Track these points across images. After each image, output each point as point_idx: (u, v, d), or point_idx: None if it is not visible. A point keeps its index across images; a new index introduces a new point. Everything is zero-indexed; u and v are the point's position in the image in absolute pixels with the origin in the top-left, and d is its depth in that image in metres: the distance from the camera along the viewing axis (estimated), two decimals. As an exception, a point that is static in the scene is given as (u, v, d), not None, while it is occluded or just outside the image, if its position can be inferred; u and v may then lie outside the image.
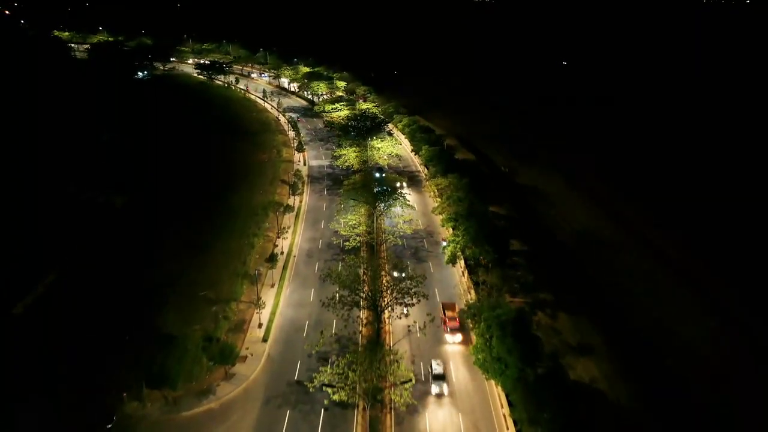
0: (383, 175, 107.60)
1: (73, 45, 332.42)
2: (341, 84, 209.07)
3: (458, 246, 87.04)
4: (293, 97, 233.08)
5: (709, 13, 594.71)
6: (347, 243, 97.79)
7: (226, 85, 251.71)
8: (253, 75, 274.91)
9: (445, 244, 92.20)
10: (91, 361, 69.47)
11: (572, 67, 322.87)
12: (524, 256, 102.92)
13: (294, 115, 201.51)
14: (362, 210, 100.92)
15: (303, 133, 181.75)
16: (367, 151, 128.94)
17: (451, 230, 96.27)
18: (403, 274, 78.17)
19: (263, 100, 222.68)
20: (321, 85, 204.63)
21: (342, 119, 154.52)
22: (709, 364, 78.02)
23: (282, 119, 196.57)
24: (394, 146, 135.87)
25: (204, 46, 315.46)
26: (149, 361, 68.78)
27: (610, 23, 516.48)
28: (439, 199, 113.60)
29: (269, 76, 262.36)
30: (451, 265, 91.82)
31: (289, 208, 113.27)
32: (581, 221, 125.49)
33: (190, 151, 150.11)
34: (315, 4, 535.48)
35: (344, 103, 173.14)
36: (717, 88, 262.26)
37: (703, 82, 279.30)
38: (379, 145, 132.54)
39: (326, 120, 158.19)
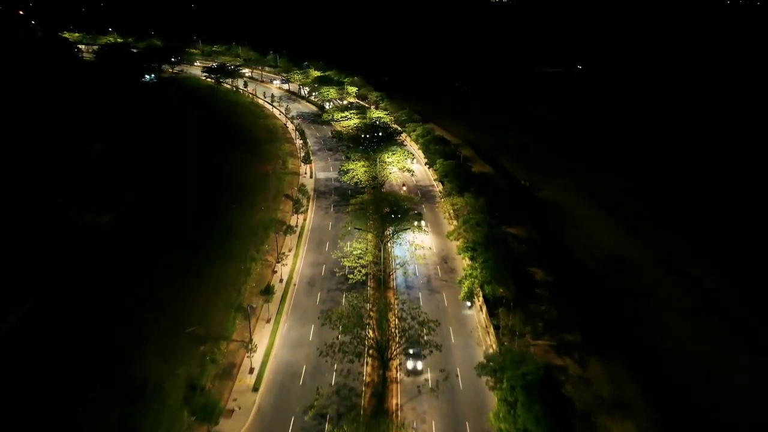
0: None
1: (82, 46, 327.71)
2: (352, 90, 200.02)
3: (476, 281, 77.36)
4: (303, 102, 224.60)
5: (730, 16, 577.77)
6: (351, 276, 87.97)
7: (234, 89, 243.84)
8: (271, 81, 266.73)
9: (461, 277, 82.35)
10: (58, 414, 61.03)
11: (590, 71, 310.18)
12: (548, 287, 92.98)
13: (302, 122, 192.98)
14: (369, 237, 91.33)
15: (311, 141, 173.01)
16: (376, 165, 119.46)
17: (467, 260, 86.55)
18: (414, 320, 68.50)
19: (271, 105, 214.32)
20: (331, 90, 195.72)
21: (351, 129, 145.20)
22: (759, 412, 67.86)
23: (290, 126, 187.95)
24: (406, 159, 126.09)
25: (214, 48, 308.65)
26: (123, 416, 60.39)
27: (631, 23, 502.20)
28: (454, 222, 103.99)
29: (281, 80, 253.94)
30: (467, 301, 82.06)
31: (290, 229, 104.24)
32: (609, 244, 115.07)
33: (189, 163, 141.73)
34: (328, 5, 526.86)
35: (354, 111, 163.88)
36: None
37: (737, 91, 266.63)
38: (390, 160, 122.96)
39: (334, 131, 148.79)
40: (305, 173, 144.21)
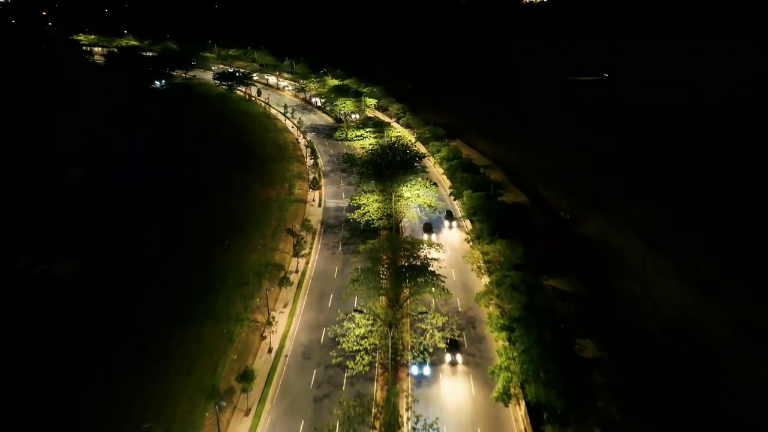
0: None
1: (98, 49, 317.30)
2: (371, 102, 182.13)
3: (514, 377, 58.70)
4: (319, 113, 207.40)
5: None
6: (351, 366, 69.27)
7: (247, 97, 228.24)
8: (284, 88, 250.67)
9: (493, 366, 63.46)
10: None
11: (625, 80, 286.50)
12: (603, 367, 73.63)
13: (315, 137, 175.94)
14: (378, 305, 72.94)
15: (324, 159, 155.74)
16: (392, 200, 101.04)
17: (501, 341, 67.81)
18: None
19: (284, 116, 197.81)
20: (347, 102, 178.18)
21: (366, 152, 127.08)
22: None
23: (302, 142, 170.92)
24: (428, 191, 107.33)
25: (230, 52, 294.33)
26: None
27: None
28: (486, 279, 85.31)
29: (297, 88, 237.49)
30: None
31: (286, 281, 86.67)
32: (672, 300, 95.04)
33: (183, 187, 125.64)
34: (349, 9, 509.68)
35: (371, 129, 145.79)
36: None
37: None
38: (408, 195, 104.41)
39: (346, 154, 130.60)
40: (313, 200, 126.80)
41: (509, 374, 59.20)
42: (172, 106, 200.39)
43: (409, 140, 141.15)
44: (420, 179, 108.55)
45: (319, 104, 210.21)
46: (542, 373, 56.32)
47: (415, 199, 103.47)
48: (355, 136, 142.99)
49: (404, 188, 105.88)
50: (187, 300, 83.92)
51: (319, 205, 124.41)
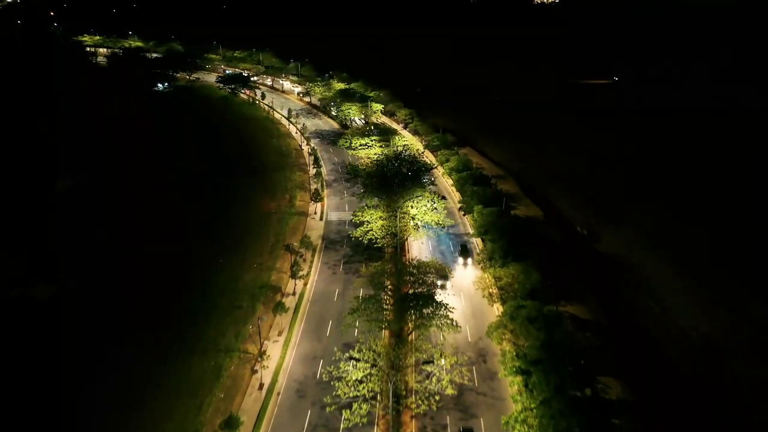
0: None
1: (103, 50, 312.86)
2: (377, 107, 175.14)
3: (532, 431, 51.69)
4: (324, 117, 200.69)
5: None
6: (347, 417, 60.80)
7: (250, 100, 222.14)
8: (283, 90, 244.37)
9: (507, 417, 56.41)
10: None
11: (634, 83, 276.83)
12: (628, 411, 66.45)
13: (319, 143, 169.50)
14: (379, 343, 65.76)
15: (327, 168, 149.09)
16: (396, 218, 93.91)
17: (517, 385, 60.70)
18: None
19: (288, 120, 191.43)
20: (353, 108, 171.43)
21: (371, 162, 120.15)
22: None
23: (305, 148, 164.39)
24: (434, 207, 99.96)
25: (236, 54, 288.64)
26: None
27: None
28: (499, 306, 78.25)
29: (302, 91, 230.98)
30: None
31: (281, 308, 79.96)
32: (700, 328, 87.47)
33: (178, 197, 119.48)
34: (356, 10, 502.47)
35: (376, 137, 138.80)
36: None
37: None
38: (414, 212, 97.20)
39: (349, 164, 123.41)
40: (315, 213, 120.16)
41: (526, 428, 52.14)
42: (174, 111, 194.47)
43: (417, 149, 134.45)
44: (427, 194, 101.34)
45: (323, 108, 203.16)
46: (565, 429, 49.22)
47: (422, 216, 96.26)
48: (360, 145, 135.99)
49: (410, 204, 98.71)
50: (174, 328, 77.62)
51: (321, 219, 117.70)
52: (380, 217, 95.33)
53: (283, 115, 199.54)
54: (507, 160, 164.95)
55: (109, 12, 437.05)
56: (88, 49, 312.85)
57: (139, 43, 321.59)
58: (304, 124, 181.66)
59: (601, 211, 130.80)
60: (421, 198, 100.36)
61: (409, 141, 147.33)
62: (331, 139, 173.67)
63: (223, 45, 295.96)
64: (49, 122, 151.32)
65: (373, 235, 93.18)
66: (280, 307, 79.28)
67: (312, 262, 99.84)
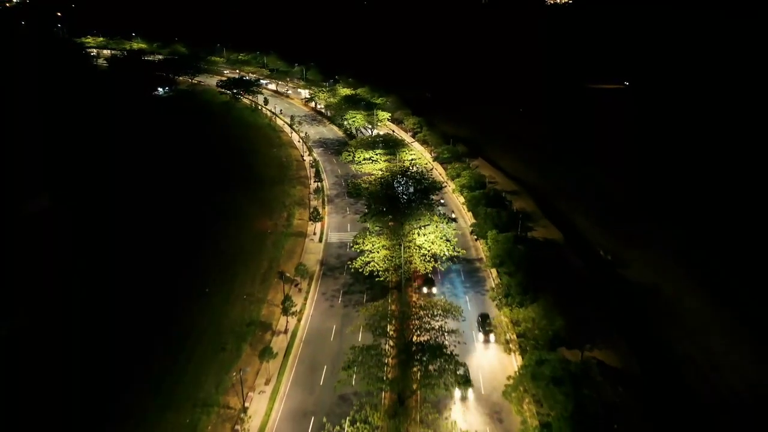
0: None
1: (107, 51, 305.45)
2: (384, 116, 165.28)
3: None
4: (329, 124, 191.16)
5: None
6: None
7: (252, 106, 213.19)
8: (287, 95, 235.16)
9: None
10: None
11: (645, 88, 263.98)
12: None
13: (322, 153, 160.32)
14: (375, 416, 55.69)
15: (330, 181, 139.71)
16: (401, 249, 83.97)
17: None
18: None
19: (291, 128, 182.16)
20: (358, 116, 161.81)
21: (375, 180, 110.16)
22: None
23: (307, 159, 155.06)
24: (445, 234, 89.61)
25: (240, 57, 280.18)
26: None
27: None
28: (517, 358, 68.28)
29: (306, 96, 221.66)
30: None
31: (269, 353, 70.39)
32: (746, 374, 77.16)
33: (167, 216, 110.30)
34: (367, 14, 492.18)
35: (381, 150, 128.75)
36: None
37: None
38: (421, 241, 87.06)
39: (350, 184, 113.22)
40: (314, 234, 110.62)
41: None
42: (172, 117, 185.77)
43: (425, 164, 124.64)
44: (436, 218, 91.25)
45: (329, 114, 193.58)
46: None
47: (429, 246, 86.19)
48: (364, 159, 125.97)
49: (417, 231, 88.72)
50: (146, 376, 68.36)
51: (320, 240, 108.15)
52: (383, 246, 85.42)
53: (286, 122, 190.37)
54: (521, 171, 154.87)
55: (114, 13, 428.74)
56: (89, 51, 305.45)
57: (143, 45, 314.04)
58: (306, 133, 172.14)
59: (624, 229, 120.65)
60: (429, 223, 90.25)
61: (417, 153, 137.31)
62: (335, 148, 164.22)
63: (227, 47, 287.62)
64: (27, 132, 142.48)
65: (375, 266, 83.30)
66: (267, 353, 69.64)
67: (308, 292, 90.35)
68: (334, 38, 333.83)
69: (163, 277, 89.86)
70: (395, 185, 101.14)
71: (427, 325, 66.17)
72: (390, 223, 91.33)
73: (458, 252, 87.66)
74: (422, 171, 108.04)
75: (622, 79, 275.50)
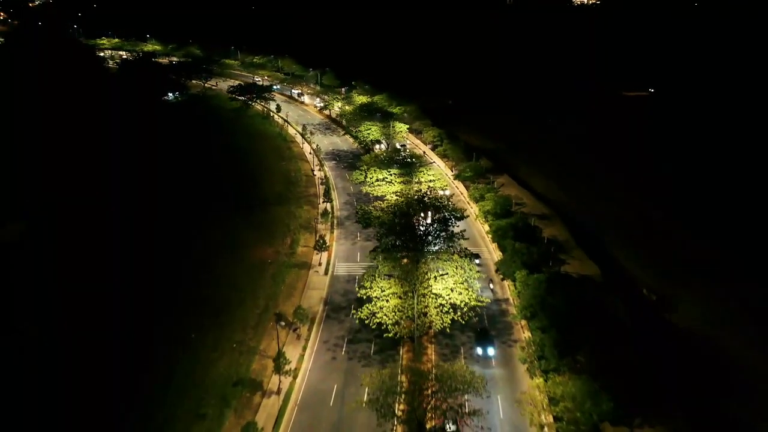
0: None
1: (122, 53, 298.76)
2: (401, 128, 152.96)
3: None
4: (343, 134, 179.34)
5: None
6: None
7: (264, 113, 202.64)
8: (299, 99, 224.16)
9: None
10: None
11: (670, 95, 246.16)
12: None
13: (334, 167, 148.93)
14: None
15: (340, 201, 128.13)
16: (414, 298, 71.49)
17: None
18: None
19: (303, 137, 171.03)
20: (373, 128, 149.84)
21: (388, 207, 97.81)
22: None
23: (318, 174, 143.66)
24: (467, 278, 76.93)
25: (255, 60, 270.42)
26: None
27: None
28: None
29: (320, 103, 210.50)
30: None
31: (253, 430, 58.72)
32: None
33: (157, 249, 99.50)
34: (388, 16, 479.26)
35: (396, 170, 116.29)
36: None
37: None
38: (438, 288, 74.51)
39: (359, 210, 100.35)
40: (319, 264, 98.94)
41: None
42: (179, 125, 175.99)
43: (445, 186, 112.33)
44: (456, 256, 78.63)
45: (345, 123, 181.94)
46: None
47: (448, 293, 73.76)
48: (377, 181, 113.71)
49: (434, 275, 76.41)
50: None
51: (326, 273, 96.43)
52: (394, 293, 73.22)
53: (297, 131, 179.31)
54: (551, 189, 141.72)
55: (130, 14, 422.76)
56: (103, 52, 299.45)
57: (158, 47, 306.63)
58: (317, 146, 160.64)
59: (667, 259, 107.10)
60: (448, 262, 77.73)
61: (436, 172, 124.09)
62: (348, 161, 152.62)
63: (241, 50, 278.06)
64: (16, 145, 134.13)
65: (383, 318, 71.20)
66: (251, 430, 57.91)
67: (308, 339, 78.66)
68: (352, 41, 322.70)
69: (143, 318, 78.94)
70: (410, 212, 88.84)
71: (443, 404, 53.91)
72: (404, 261, 78.93)
73: (483, 301, 74.91)
74: (440, 197, 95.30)
75: (646, 86, 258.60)
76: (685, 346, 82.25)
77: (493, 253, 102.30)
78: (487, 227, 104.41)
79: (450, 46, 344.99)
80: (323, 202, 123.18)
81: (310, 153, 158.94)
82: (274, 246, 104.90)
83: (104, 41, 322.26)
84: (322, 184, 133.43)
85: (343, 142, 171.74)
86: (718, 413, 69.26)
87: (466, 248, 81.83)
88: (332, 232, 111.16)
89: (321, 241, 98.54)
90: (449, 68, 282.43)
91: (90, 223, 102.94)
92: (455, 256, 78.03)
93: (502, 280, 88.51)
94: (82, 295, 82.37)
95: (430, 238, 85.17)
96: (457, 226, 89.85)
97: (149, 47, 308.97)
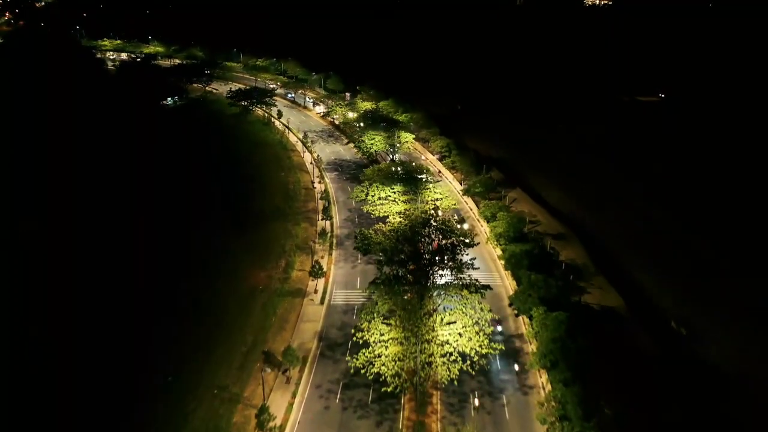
0: None
1: (125, 55, 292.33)
2: (407, 137, 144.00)
3: None
4: (347, 142, 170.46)
5: None
6: None
7: (265, 118, 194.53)
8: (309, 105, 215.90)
9: None
10: None
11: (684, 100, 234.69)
12: None
13: (336, 178, 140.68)
14: None
15: (341, 217, 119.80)
16: (417, 346, 62.46)
17: None
18: None
19: (304, 145, 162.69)
20: (377, 138, 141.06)
21: (389, 230, 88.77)
22: None
23: (318, 187, 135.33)
24: (478, 320, 67.71)
25: (258, 62, 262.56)
26: None
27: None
28: None
29: (324, 109, 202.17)
30: None
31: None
32: None
33: (138, 273, 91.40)
34: (395, 17, 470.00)
35: (400, 187, 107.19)
36: None
37: None
38: (445, 334, 65.18)
39: (358, 237, 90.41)
40: (315, 291, 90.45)
41: None
42: (175, 132, 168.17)
43: (453, 206, 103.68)
44: (465, 291, 69.68)
45: (346, 130, 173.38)
46: None
47: (456, 340, 64.83)
48: (378, 199, 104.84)
49: (440, 317, 67.56)
50: None
51: (322, 302, 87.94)
52: (394, 338, 64.40)
53: (299, 139, 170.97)
54: (565, 202, 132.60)
55: (133, 15, 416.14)
56: (104, 54, 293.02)
57: (160, 49, 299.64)
58: (318, 155, 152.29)
59: (695, 285, 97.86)
60: (457, 299, 68.80)
61: (443, 189, 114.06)
62: (351, 172, 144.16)
63: (244, 52, 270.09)
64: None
65: (381, 368, 62.46)
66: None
67: (298, 383, 70.13)
68: (358, 43, 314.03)
69: (113, 357, 70.81)
70: (415, 238, 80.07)
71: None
72: (407, 296, 70.17)
73: (496, 350, 65.91)
74: (448, 221, 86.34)
75: (656, 91, 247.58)
76: (715, 383, 73.05)
77: (505, 280, 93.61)
78: (499, 251, 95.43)
79: (458, 47, 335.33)
80: (322, 219, 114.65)
81: (311, 163, 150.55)
82: (267, 269, 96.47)
83: (106, 42, 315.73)
84: (322, 198, 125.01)
85: (347, 151, 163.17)
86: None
87: (476, 280, 72.87)
88: (330, 254, 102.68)
89: (317, 267, 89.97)
90: (457, 71, 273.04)
91: (67, 242, 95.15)
92: (465, 292, 69.00)
93: (517, 315, 79.47)
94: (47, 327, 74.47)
95: (436, 268, 76.31)
96: (467, 254, 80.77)
97: (151, 49, 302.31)
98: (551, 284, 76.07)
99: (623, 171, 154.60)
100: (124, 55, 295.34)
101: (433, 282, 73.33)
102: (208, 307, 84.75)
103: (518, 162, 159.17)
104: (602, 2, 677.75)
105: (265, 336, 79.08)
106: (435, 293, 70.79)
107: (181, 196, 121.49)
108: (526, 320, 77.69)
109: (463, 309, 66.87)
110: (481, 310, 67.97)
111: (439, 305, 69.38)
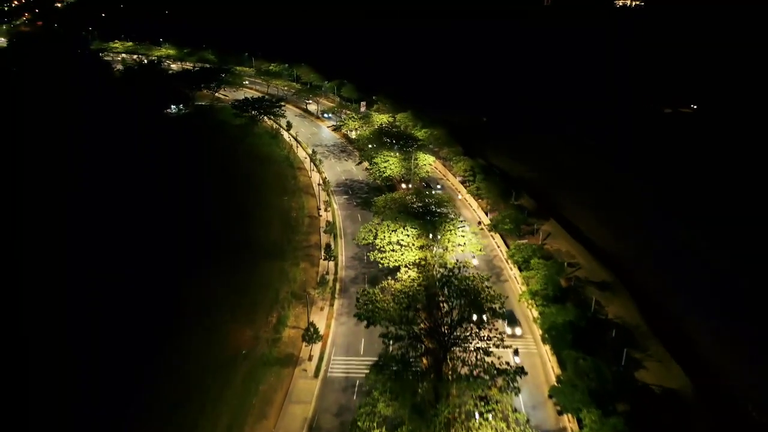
0: None
1: (137, 57, 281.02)
2: (426, 160, 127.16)
3: None
4: (359, 160, 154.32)
5: None
6: None
7: (273, 130, 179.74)
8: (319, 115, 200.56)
9: None
10: None
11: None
12: None
13: (345, 204, 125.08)
14: None
15: (347, 254, 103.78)
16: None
17: None
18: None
19: (312, 163, 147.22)
20: (391, 159, 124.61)
21: (399, 293, 71.92)
22: None
23: (324, 216, 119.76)
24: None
25: (270, 67, 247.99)
26: None
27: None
28: None
29: (335, 121, 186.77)
30: None
31: None
32: None
33: (105, 327, 76.76)
34: (415, 18, 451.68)
35: (415, 230, 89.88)
36: None
37: None
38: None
39: (359, 299, 72.80)
40: (308, 359, 74.77)
41: None
42: (174, 146, 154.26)
43: (479, 252, 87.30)
44: (494, 392, 53.18)
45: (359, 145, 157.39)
46: None
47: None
48: (389, 245, 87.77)
49: (458, 404, 51.49)
50: None
51: (316, 374, 72.11)
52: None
53: (308, 154, 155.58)
54: (604, 235, 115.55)
55: (146, 17, 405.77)
56: (115, 56, 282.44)
57: (171, 51, 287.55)
58: (326, 178, 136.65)
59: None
60: (482, 384, 52.53)
61: (466, 236, 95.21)
62: (362, 196, 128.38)
63: (256, 56, 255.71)
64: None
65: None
66: None
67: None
68: (376, 50, 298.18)
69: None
70: (431, 304, 63.94)
71: None
72: (419, 389, 54.14)
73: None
74: (474, 278, 69.75)
75: (689, 102, 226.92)
76: None
77: (541, 346, 76.74)
78: (535, 312, 78.52)
79: (484, 51, 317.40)
80: (325, 258, 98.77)
81: (319, 184, 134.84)
82: (254, 325, 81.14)
83: (117, 44, 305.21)
84: (326, 232, 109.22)
85: (359, 171, 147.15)
86: None
87: (507, 365, 56.59)
88: (332, 305, 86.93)
89: (312, 330, 74.20)
90: (483, 78, 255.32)
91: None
92: (494, 392, 52.70)
93: (560, 414, 62.52)
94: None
95: (458, 341, 60.21)
96: (497, 326, 64.27)
97: (163, 51, 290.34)
98: (605, 373, 59.13)
99: (660, 193, 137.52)
100: (134, 57, 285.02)
101: (452, 368, 57.10)
102: (177, 382, 69.43)
103: (547, 181, 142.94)
104: (633, 3, 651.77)
105: (243, 420, 63.55)
106: (454, 387, 54.44)
107: (165, 226, 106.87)
108: (572, 418, 60.79)
109: (490, 420, 50.28)
110: (516, 421, 51.22)
111: (459, 408, 52.77)
